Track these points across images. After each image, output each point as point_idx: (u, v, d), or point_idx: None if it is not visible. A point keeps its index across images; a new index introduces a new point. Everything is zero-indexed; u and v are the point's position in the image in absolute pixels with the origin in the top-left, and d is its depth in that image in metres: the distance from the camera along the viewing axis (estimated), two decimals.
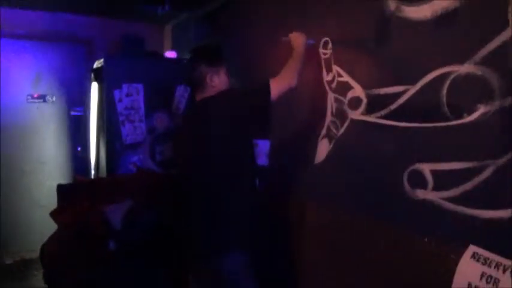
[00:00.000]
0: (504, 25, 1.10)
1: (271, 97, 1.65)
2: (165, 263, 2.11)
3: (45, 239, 2.08)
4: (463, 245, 1.18)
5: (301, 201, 2.00)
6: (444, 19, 1.28)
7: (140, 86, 2.73)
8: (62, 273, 1.95)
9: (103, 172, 2.81)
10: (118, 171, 2.67)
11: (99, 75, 2.89)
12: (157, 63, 2.92)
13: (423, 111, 1.35)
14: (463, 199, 1.21)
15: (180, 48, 3.47)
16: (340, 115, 1.75)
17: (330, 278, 1.79)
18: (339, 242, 1.75)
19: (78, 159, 3.64)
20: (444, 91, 1.27)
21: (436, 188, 1.30)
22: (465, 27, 1.22)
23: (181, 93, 2.87)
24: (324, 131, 1.86)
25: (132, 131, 2.72)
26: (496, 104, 1.14)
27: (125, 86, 2.68)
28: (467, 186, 1.20)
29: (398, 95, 1.44)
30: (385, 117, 1.51)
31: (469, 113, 1.20)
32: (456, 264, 1.18)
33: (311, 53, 1.86)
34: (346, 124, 1.72)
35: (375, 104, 1.56)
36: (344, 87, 1.72)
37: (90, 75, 3.05)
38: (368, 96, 1.60)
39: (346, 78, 1.72)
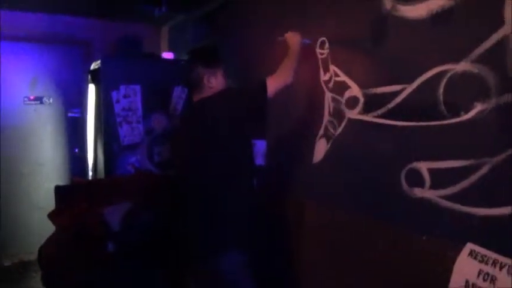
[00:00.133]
0: (500, 23, 1.11)
1: (268, 95, 1.67)
2: (163, 264, 2.11)
3: (43, 241, 2.07)
4: (460, 243, 1.19)
5: (299, 201, 2.00)
6: (440, 18, 1.28)
7: (138, 87, 2.72)
8: (60, 275, 1.94)
9: (101, 173, 2.80)
10: (116, 173, 2.66)
11: (96, 76, 2.88)
12: (155, 65, 2.92)
13: (420, 110, 1.36)
14: (460, 197, 1.22)
15: (177, 50, 3.48)
16: (338, 115, 1.75)
17: (328, 278, 1.79)
18: (337, 241, 1.75)
19: (76, 160, 3.64)
20: (441, 90, 1.28)
21: (434, 186, 1.31)
22: (461, 26, 1.23)
23: (178, 94, 2.87)
24: (321, 131, 1.86)
25: (129, 132, 2.72)
26: (492, 102, 1.14)
27: (122, 87, 2.68)
28: (464, 184, 1.20)
29: (395, 94, 1.45)
30: (382, 116, 1.51)
31: (466, 111, 1.21)
32: (454, 262, 1.18)
33: (308, 53, 1.87)
34: (343, 123, 1.73)
35: (372, 103, 1.56)
36: (341, 87, 1.73)
37: (88, 76, 3.04)
38: (365, 95, 1.60)
39: (343, 77, 1.72)
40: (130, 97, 2.71)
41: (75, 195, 2.17)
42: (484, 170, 1.15)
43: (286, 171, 2.11)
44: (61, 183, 2.60)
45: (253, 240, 1.72)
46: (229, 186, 1.66)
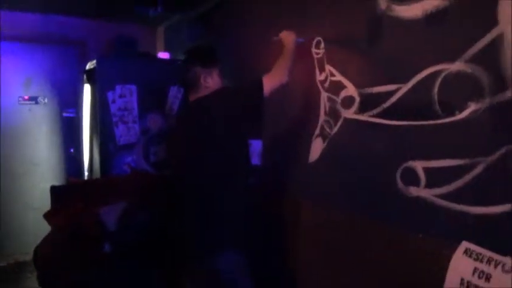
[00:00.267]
0: (493, 23, 1.12)
1: (264, 93, 1.68)
2: (159, 264, 2.11)
3: (38, 241, 2.06)
4: (455, 241, 1.20)
5: (295, 200, 2.00)
6: (435, 18, 1.29)
7: (133, 87, 2.72)
8: (56, 275, 1.93)
9: (97, 173, 2.79)
10: (112, 173, 2.66)
11: (91, 76, 2.87)
12: (151, 65, 2.91)
13: (415, 109, 1.37)
14: (455, 196, 1.23)
15: (172, 50, 3.47)
16: (334, 114, 1.76)
17: (324, 277, 1.80)
18: (333, 240, 1.76)
19: (71, 160, 3.62)
20: (436, 89, 1.29)
21: (429, 185, 1.32)
22: (455, 26, 1.24)
23: (174, 94, 2.86)
24: (317, 130, 1.87)
25: (125, 132, 2.71)
26: (486, 102, 1.15)
27: (118, 87, 2.67)
28: (459, 183, 1.21)
29: (390, 93, 1.45)
30: (377, 115, 1.52)
31: (460, 111, 1.22)
32: (449, 260, 1.19)
33: (304, 52, 1.88)
34: (339, 123, 1.73)
35: (367, 103, 1.57)
36: (337, 87, 1.73)
37: (83, 76, 3.03)
38: (361, 95, 1.61)
39: (338, 77, 1.73)
40: (126, 97, 2.70)
41: (71, 195, 2.16)
42: (478, 169, 1.16)
43: (282, 171, 2.12)
44: (56, 183, 2.59)
45: (249, 239, 1.72)
46: (226, 185, 1.66)
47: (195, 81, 1.75)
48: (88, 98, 3.04)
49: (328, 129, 1.80)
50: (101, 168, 2.69)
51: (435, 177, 1.30)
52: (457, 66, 1.22)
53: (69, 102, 3.64)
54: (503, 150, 1.10)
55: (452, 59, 1.23)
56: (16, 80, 3.48)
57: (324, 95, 1.82)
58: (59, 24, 3.53)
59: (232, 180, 1.68)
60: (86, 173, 3.13)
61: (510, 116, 1.09)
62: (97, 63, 2.69)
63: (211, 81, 1.75)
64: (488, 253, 1.11)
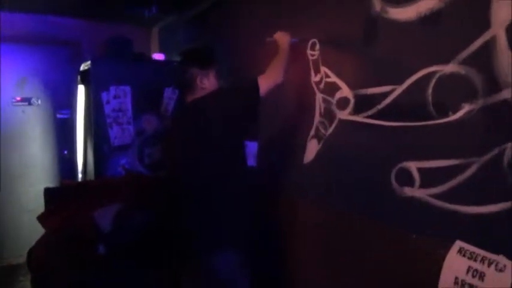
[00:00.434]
0: (486, 25, 1.13)
1: (260, 93, 1.68)
2: (156, 266, 2.10)
3: (32, 243, 2.04)
4: (450, 241, 1.21)
5: (292, 201, 2.01)
6: (429, 20, 1.31)
7: (128, 88, 2.71)
8: (50, 278, 1.92)
9: (91, 175, 2.78)
10: (106, 174, 2.65)
11: (86, 77, 2.86)
12: (145, 66, 2.91)
13: (410, 110, 1.38)
14: (449, 196, 1.24)
15: (167, 51, 3.47)
16: (329, 115, 1.77)
17: (322, 277, 1.81)
18: (330, 240, 1.77)
19: (65, 162, 3.60)
20: (430, 90, 1.30)
21: (423, 185, 1.33)
22: (449, 28, 1.25)
23: (169, 95, 2.86)
24: (312, 132, 1.88)
25: (120, 134, 2.70)
26: (479, 103, 1.17)
27: (112, 88, 2.66)
28: (453, 183, 1.23)
29: (385, 94, 1.47)
30: (372, 116, 1.53)
31: (454, 112, 1.23)
32: (443, 260, 1.20)
33: (299, 54, 1.88)
34: (334, 124, 1.74)
35: (362, 104, 1.58)
36: (332, 88, 1.74)
37: (77, 77, 3.02)
38: (355, 96, 1.62)
39: (333, 79, 1.74)
40: (120, 98, 2.69)
41: (64, 197, 2.15)
42: (472, 169, 1.17)
43: (278, 172, 2.12)
44: (50, 185, 2.57)
45: (248, 240, 1.72)
46: (223, 186, 1.67)
47: (191, 83, 1.75)
48: (82, 99, 3.03)
49: (323, 130, 1.81)
50: (95, 170, 2.68)
51: (429, 178, 1.31)
52: (450, 68, 1.24)
53: (63, 104, 3.62)
54: (496, 150, 1.12)
55: (446, 61, 1.25)
56: (9, 80, 3.45)
57: (319, 96, 1.83)
58: (52, 24, 3.51)
59: (229, 181, 1.68)
60: (80, 175, 3.11)
61: (503, 117, 1.11)
62: (91, 64, 2.69)
63: (207, 83, 1.76)
64: (482, 252, 1.12)
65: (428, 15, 1.30)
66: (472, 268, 1.12)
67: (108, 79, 2.66)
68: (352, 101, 1.64)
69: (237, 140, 1.76)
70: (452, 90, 1.24)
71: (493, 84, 1.13)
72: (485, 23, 1.13)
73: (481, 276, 1.09)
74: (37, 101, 3.54)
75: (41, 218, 2.04)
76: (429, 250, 1.27)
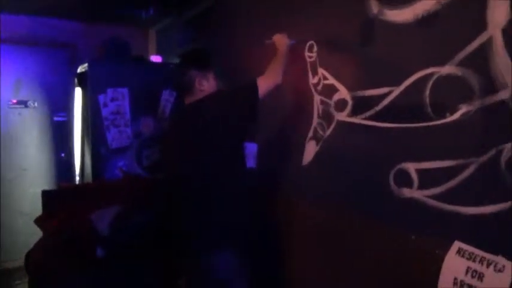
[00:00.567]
0: (482, 27, 1.14)
1: (259, 95, 1.69)
2: (154, 267, 2.10)
3: (28, 247, 2.04)
4: (448, 241, 1.21)
5: (290, 202, 2.01)
6: (425, 21, 1.31)
7: (125, 91, 2.71)
8: (48, 281, 1.91)
9: (88, 178, 2.77)
10: (104, 177, 2.64)
11: (83, 80, 2.85)
12: (143, 68, 2.90)
13: (407, 111, 1.38)
14: (447, 196, 1.25)
15: (164, 52, 3.47)
16: (327, 117, 1.78)
17: (321, 278, 1.81)
18: (329, 241, 1.77)
19: (62, 165, 3.58)
20: (427, 92, 1.31)
21: (422, 186, 1.33)
22: (446, 29, 1.26)
23: (166, 98, 2.86)
24: (310, 133, 1.88)
25: (117, 136, 2.70)
26: (476, 104, 1.17)
27: (109, 91, 2.66)
28: (451, 183, 1.23)
29: (383, 96, 1.47)
30: (370, 118, 1.54)
31: (451, 113, 1.24)
32: (442, 260, 1.21)
33: (297, 56, 1.89)
34: (332, 126, 1.75)
35: (360, 106, 1.59)
36: (330, 90, 1.75)
37: (74, 80, 3.01)
38: (353, 98, 1.63)
39: (331, 80, 1.74)
40: (118, 100, 2.69)
41: (62, 200, 2.15)
42: (470, 169, 1.18)
43: (277, 173, 2.13)
44: (47, 188, 2.56)
45: (246, 240, 1.72)
46: (222, 186, 1.67)
47: (190, 85, 1.75)
48: (79, 102, 3.02)
49: (321, 132, 1.81)
50: (93, 173, 2.67)
51: (428, 179, 1.31)
52: (447, 69, 1.24)
53: (59, 106, 3.61)
54: (493, 151, 1.12)
55: (443, 62, 1.25)
56: (6, 82, 3.43)
57: (317, 98, 1.83)
58: (49, 26, 3.51)
59: (228, 182, 1.68)
60: (77, 178, 3.10)
61: (500, 118, 1.11)
62: (88, 66, 2.68)
63: (206, 85, 1.76)
64: (480, 253, 1.12)
65: (425, 17, 1.31)
66: (471, 269, 1.12)
67: (105, 81, 2.66)
68: (350, 102, 1.64)
69: (236, 141, 1.76)
70: (450, 92, 1.25)
71: (490, 85, 1.13)
72: (481, 24, 1.14)
73: (480, 276, 1.10)
74: (34, 104, 3.53)
75: (39, 221, 2.03)
76: (428, 250, 1.28)
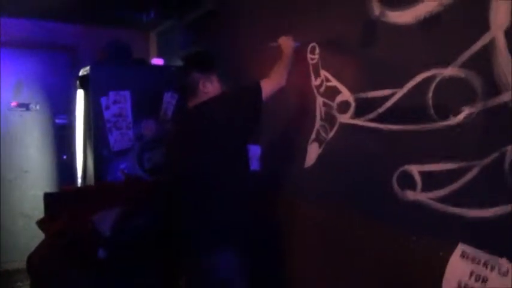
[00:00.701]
0: (485, 28, 1.14)
1: (263, 96, 1.69)
2: (156, 269, 2.09)
3: (29, 249, 2.04)
4: (452, 244, 1.21)
5: (292, 203, 2.01)
6: (428, 23, 1.31)
7: (127, 93, 2.71)
8: (50, 283, 1.91)
9: (90, 180, 2.77)
10: (107, 179, 2.64)
11: (85, 82, 2.86)
12: (144, 70, 2.91)
13: (410, 113, 1.38)
14: (451, 199, 1.24)
15: (165, 55, 3.47)
16: (329, 119, 1.77)
17: (322, 279, 1.80)
18: (330, 242, 1.77)
19: (64, 167, 3.59)
20: (430, 94, 1.30)
21: (425, 188, 1.33)
22: (448, 31, 1.26)
23: (168, 100, 2.86)
24: (313, 135, 1.88)
25: (119, 138, 2.70)
26: (479, 106, 1.17)
27: (111, 94, 2.66)
28: (455, 186, 1.23)
29: (385, 98, 1.47)
30: (373, 120, 1.53)
31: (454, 115, 1.23)
32: (446, 263, 1.20)
33: (299, 58, 1.89)
34: (335, 128, 1.74)
35: (363, 108, 1.58)
36: (332, 92, 1.75)
37: (76, 82, 3.01)
38: (356, 100, 1.62)
39: (334, 82, 1.74)
40: (120, 103, 2.69)
41: (64, 202, 2.15)
42: (473, 172, 1.17)
43: (279, 175, 2.12)
44: (48, 190, 2.57)
45: (247, 240, 1.72)
46: (224, 187, 1.67)
47: (193, 87, 1.75)
48: (81, 105, 3.02)
49: (324, 134, 1.81)
50: (95, 175, 2.67)
51: (431, 181, 1.31)
52: (450, 71, 1.24)
53: (60, 109, 3.62)
54: (497, 153, 1.12)
55: (445, 64, 1.25)
56: (7, 85, 3.44)
57: (320, 100, 1.83)
58: (51, 29, 3.52)
59: (230, 182, 1.69)
60: (79, 180, 3.10)
61: (503, 120, 1.11)
62: (90, 69, 2.68)
63: (210, 87, 1.76)
64: (484, 256, 1.12)
65: (428, 19, 1.31)
66: (474, 272, 1.12)
67: (107, 84, 2.66)
68: (352, 104, 1.64)
69: (240, 143, 1.76)
70: (453, 94, 1.24)
71: (493, 87, 1.13)
72: (484, 26, 1.14)
73: (484, 280, 1.09)
74: (35, 106, 3.54)
75: (41, 223, 2.03)
76: (431, 253, 1.27)
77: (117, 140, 2.69)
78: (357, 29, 1.59)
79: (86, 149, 2.92)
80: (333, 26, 1.74)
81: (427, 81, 1.31)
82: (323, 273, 1.80)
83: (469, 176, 1.19)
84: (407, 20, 1.37)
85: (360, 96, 1.60)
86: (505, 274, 1.06)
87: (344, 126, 1.69)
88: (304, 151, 1.92)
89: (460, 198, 1.21)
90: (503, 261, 1.07)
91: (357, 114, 1.61)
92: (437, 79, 1.28)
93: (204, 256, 1.64)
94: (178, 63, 2.94)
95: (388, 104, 1.46)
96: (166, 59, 3.30)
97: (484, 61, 1.14)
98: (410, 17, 1.36)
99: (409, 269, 1.37)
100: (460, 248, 1.18)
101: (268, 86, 1.72)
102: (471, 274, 1.12)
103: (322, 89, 1.81)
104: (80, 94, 3.00)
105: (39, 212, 2.10)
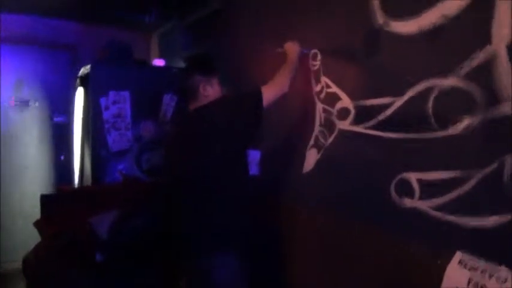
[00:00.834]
0: (487, 41, 1.15)
1: (264, 103, 1.69)
2: (155, 271, 2.09)
3: (26, 248, 2.03)
4: (450, 252, 1.22)
5: (291, 208, 2.01)
6: (430, 34, 1.33)
7: (127, 94, 2.71)
8: (47, 285, 1.90)
9: (88, 180, 2.76)
10: (104, 179, 2.63)
11: (85, 82, 2.85)
12: (145, 71, 2.91)
13: (410, 122, 1.39)
14: (449, 207, 1.25)
15: (167, 56, 3.47)
16: (329, 125, 1.78)
17: (321, 284, 1.81)
18: (329, 248, 1.77)
19: (61, 166, 3.57)
20: (430, 103, 1.32)
21: (423, 196, 1.34)
22: (450, 42, 1.27)
23: (168, 102, 2.86)
24: (312, 141, 1.89)
25: (118, 139, 2.69)
26: (479, 116, 1.18)
27: (111, 94, 2.66)
28: (453, 195, 1.24)
29: (385, 106, 1.48)
30: (373, 127, 1.54)
31: (454, 125, 1.25)
32: (444, 271, 1.21)
33: (301, 64, 1.90)
34: (334, 134, 1.76)
35: (363, 115, 1.60)
36: (332, 98, 1.76)
37: (75, 81, 3.01)
38: (356, 107, 1.63)
39: (334, 89, 1.75)
40: (119, 103, 2.69)
41: (61, 203, 2.14)
42: (472, 181, 1.19)
43: (279, 180, 2.13)
44: (45, 190, 2.56)
45: (247, 244, 1.72)
46: (224, 190, 1.67)
47: (194, 90, 1.75)
48: (80, 104, 3.01)
49: (322, 140, 1.82)
50: (93, 175, 2.66)
51: (429, 189, 1.32)
52: (451, 81, 1.26)
53: (59, 108, 3.61)
54: (496, 163, 1.13)
55: (446, 75, 1.27)
56: (6, 82, 3.43)
57: (320, 106, 1.84)
58: (50, 27, 3.51)
59: (230, 186, 1.69)
60: (77, 181, 3.09)
61: (502, 130, 1.13)
62: (91, 68, 2.68)
63: (211, 90, 1.76)
64: (482, 264, 1.13)
65: (430, 30, 1.32)
66: (472, 280, 1.13)
67: (107, 84, 2.66)
68: (352, 111, 1.65)
69: (240, 148, 1.76)
70: (453, 104, 1.26)
71: (492, 98, 1.15)
72: (486, 39, 1.16)
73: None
74: (35, 103, 3.53)
75: (37, 224, 2.02)
76: (429, 261, 1.28)
77: (115, 140, 2.68)
78: (360, 37, 1.61)
79: (84, 148, 2.91)
80: (335, 33, 1.76)
81: (428, 90, 1.33)
82: (321, 278, 1.81)
83: (468, 185, 1.20)
84: (411, 30, 1.39)
85: (360, 104, 1.62)
86: (503, 282, 1.07)
87: (343, 133, 1.70)
88: (303, 156, 1.93)
89: (459, 207, 1.22)
90: (502, 269, 1.09)
91: (357, 121, 1.63)
92: (438, 89, 1.30)
93: (204, 259, 1.64)
94: (180, 64, 2.94)
95: (388, 112, 1.47)
96: (168, 61, 3.30)
97: (485, 73, 1.16)
98: (414, 28, 1.38)
99: (407, 276, 1.38)
100: (458, 255, 1.19)
101: (271, 92, 1.71)
102: (469, 282, 1.14)
103: (322, 95, 1.83)
104: (80, 92, 2.99)
105: (37, 212, 2.09)
